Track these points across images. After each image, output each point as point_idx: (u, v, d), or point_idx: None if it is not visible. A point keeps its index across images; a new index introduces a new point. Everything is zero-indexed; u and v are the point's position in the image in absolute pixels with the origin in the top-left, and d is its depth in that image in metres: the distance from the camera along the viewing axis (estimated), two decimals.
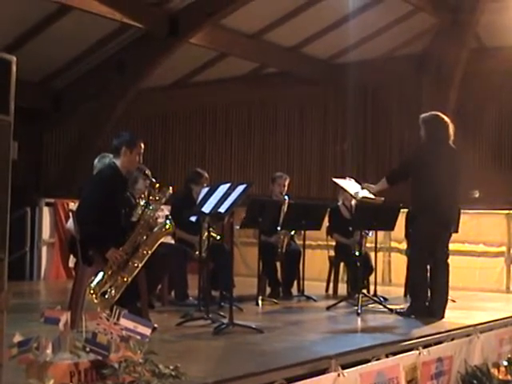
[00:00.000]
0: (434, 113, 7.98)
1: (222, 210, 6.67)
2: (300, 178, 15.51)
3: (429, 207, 7.63)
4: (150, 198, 6.51)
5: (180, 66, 14.97)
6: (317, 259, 11.22)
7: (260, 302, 8.59)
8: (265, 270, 9.23)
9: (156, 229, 6.44)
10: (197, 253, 8.37)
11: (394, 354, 5.63)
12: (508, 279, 12.13)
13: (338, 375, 4.76)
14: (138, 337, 3.62)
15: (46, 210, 11.73)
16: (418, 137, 8.01)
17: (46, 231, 11.71)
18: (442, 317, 7.56)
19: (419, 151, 8.02)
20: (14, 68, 3.50)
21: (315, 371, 4.77)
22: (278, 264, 9.70)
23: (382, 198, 8.70)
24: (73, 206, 10.25)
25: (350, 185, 9.03)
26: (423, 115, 7.97)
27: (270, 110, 16.55)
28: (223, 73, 15.56)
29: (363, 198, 8.44)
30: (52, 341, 3.53)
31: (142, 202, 6.57)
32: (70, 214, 7.90)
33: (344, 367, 4.91)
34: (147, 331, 3.64)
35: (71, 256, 9.23)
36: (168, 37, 12.89)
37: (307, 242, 9.68)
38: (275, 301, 8.89)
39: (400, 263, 11.41)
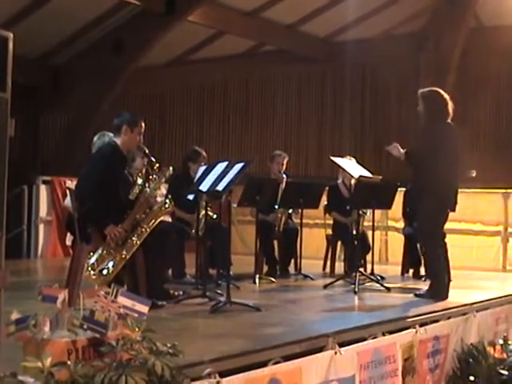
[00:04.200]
0: (433, 88, 7.63)
1: (219, 188, 6.66)
2: (298, 156, 15.47)
3: (435, 189, 7.41)
4: (150, 177, 6.52)
5: (177, 44, 14.92)
6: (314, 238, 11.22)
7: (257, 280, 8.59)
8: (262, 248, 9.23)
9: (155, 207, 6.46)
10: (194, 231, 8.39)
11: (391, 332, 5.63)
12: (504, 258, 12.18)
13: (335, 353, 4.76)
14: (136, 315, 3.63)
15: (42, 188, 11.71)
16: (416, 113, 7.78)
17: (43, 209, 11.70)
18: (446, 297, 7.38)
19: (427, 136, 7.59)
20: (10, 45, 3.47)
21: (312, 349, 4.77)
22: (276, 242, 9.71)
23: (380, 177, 8.71)
24: (70, 183, 10.23)
25: (348, 164, 9.03)
26: (422, 90, 7.59)
27: (268, 89, 16.51)
28: (221, 51, 15.51)
29: (361, 176, 8.45)
30: (50, 318, 3.53)
31: (140, 181, 6.57)
32: (68, 192, 7.88)
33: (341, 345, 4.91)
34: (145, 309, 3.65)
35: (68, 234, 9.22)
36: (165, 14, 12.83)
37: (304, 221, 9.65)
38: (272, 279, 8.88)
39: (397, 242, 11.44)
